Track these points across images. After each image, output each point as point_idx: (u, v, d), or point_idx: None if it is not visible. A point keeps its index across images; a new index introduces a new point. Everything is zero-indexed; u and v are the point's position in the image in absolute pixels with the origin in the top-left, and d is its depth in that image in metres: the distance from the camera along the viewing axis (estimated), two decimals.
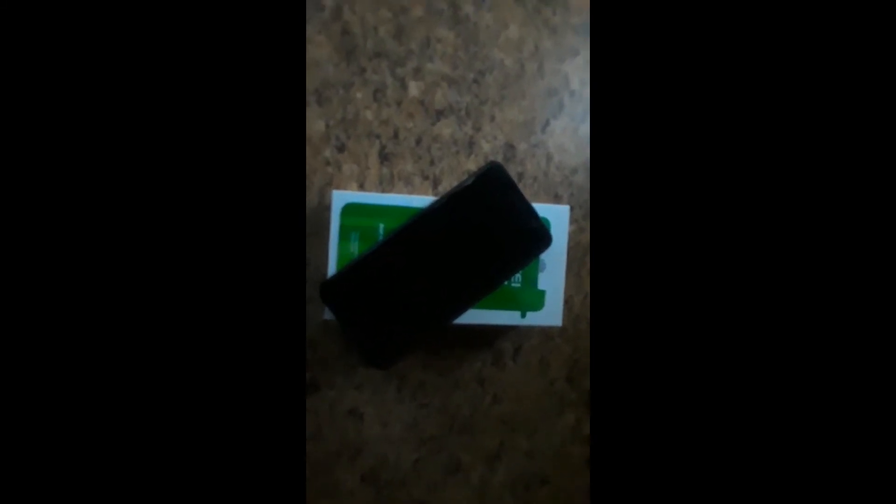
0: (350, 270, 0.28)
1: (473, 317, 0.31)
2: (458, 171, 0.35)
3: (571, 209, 0.36)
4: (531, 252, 0.30)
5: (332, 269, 0.30)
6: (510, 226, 0.29)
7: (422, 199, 0.31)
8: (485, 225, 0.29)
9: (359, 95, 0.33)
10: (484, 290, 0.29)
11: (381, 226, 0.30)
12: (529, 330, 0.36)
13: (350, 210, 0.30)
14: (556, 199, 0.36)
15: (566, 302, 0.36)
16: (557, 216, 0.32)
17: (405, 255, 0.28)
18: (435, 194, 0.34)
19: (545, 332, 0.37)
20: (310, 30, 0.33)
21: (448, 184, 0.35)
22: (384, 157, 0.34)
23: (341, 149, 0.33)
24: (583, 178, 0.36)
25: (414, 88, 0.34)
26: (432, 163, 0.34)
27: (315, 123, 0.33)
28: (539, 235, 0.29)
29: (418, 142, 0.34)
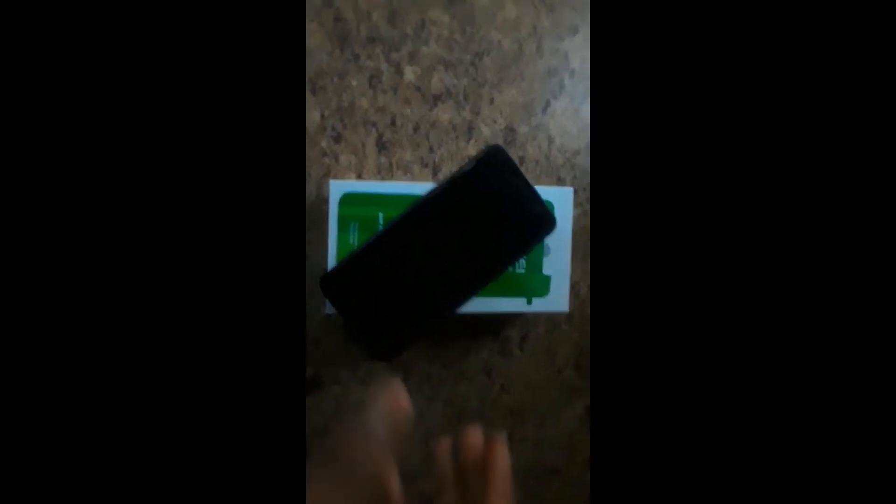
0: (350, 262, 0.28)
1: (478, 305, 0.31)
2: (457, 156, 0.34)
3: (575, 192, 0.35)
4: (535, 236, 0.29)
5: (331, 261, 0.30)
6: (513, 210, 0.28)
7: (422, 187, 0.30)
8: (487, 210, 0.28)
9: (354, 83, 0.33)
10: (488, 276, 0.28)
11: (381, 215, 0.30)
12: (535, 317, 0.36)
13: (348, 200, 0.29)
14: (559, 182, 0.35)
15: (572, 287, 0.36)
16: (561, 199, 0.31)
17: (406, 243, 0.27)
18: (435, 181, 0.34)
19: (552, 319, 0.36)
20: None
21: (448, 170, 0.34)
22: (382, 146, 0.33)
23: (338, 139, 0.33)
24: (586, 160, 0.35)
25: (410, 73, 0.33)
26: (431, 149, 0.34)
27: (310, 113, 0.32)
28: (543, 219, 0.28)
29: (416, 128, 0.33)
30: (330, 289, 0.28)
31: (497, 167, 0.28)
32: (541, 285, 0.31)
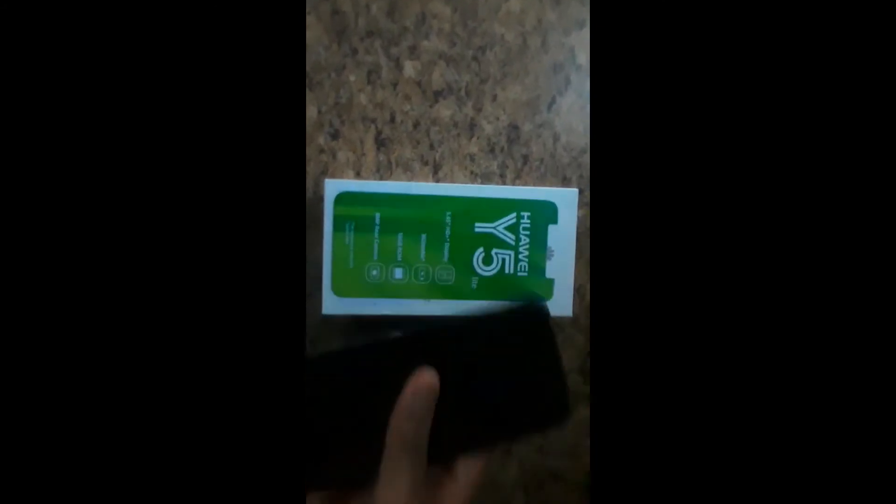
0: (343, 354, 0.23)
1: (477, 307, 0.30)
2: (458, 154, 0.33)
3: (581, 192, 0.34)
4: (541, 422, 0.24)
5: (326, 261, 0.29)
6: (526, 381, 0.23)
7: (420, 186, 0.29)
8: (498, 367, 0.23)
9: (352, 78, 0.32)
10: (469, 443, 0.23)
11: (378, 215, 0.29)
12: None
13: (344, 199, 0.29)
14: (565, 181, 0.34)
15: (577, 290, 0.34)
16: (566, 200, 0.30)
17: (401, 362, 0.22)
18: (435, 180, 0.33)
19: (556, 323, 0.35)
20: None
21: (449, 168, 0.33)
22: (381, 143, 0.32)
23: (335, 135, 0.32)
24: (590, 160, 0.34)
25: (410, 68, 0.32)
26: (432, 147, 0.33)
27: (307, 109, 0.31)
28: (557, 407, 0.23)
29: (416, 125, 0.32)
30: (315, 372, 0.23)
31: (532, 327, 0.23)
32: (543, 289, 0.30)
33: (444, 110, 0.32)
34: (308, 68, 0.31)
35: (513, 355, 0.23)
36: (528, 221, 0.30)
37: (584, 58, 0.33)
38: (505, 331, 0.23)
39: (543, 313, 0.23)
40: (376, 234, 0.29)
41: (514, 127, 0.33)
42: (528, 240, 0.30)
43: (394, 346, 0.23)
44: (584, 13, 0.33)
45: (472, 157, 0.33)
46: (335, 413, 0.22)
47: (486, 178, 0.33)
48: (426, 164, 0.33)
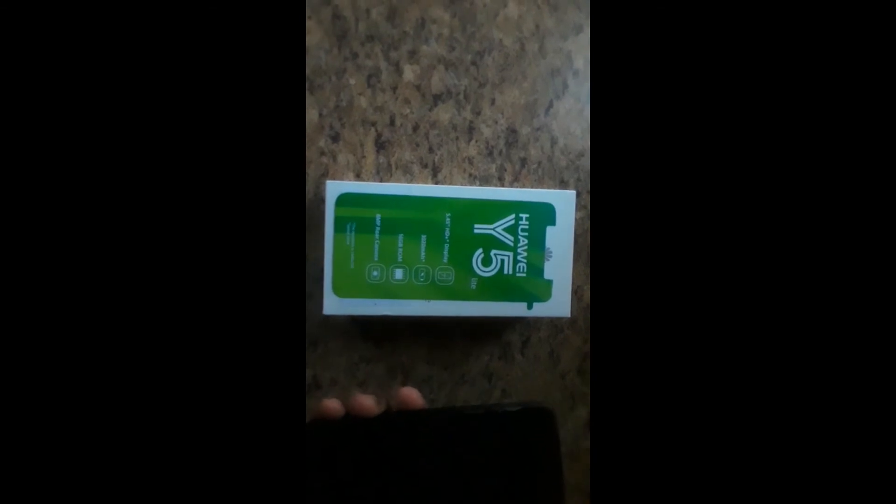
0: (346, 425, 0.23)
1: (476, 309, 0.30)
2: (457, 157, 0.33)
3: (578, 194, 0.34)
4: None
5: (327, 262, 0.29)
6: (524, 481, 0.23)
7: (420, 187, 0.30)
8: (496, 463, 0.23)
9: (352, 82, 0.32)
10: None
11: (378, 216, 0.29)
12: (538, 321, 0.35)
13: (345, 200, 0.29)
14: (562, 184, 0.34)
15: (575, 292, 0.35)
16: (563, 202, 0.30)
17: (397, 443, 0.23)
18: (434, 182, 0.33)
19: (554, 324, 0.35)
20: None
21: (448, 171, 0.33)
22: (381, 146, 0.33)
23: (335, 138, 0.32)
24: (589, 163, 0.35)
25: (409, 72, 0.32)
26: (431, 150, 0.33)
27: (308, 112, 0.32)
28: None
29: (415, 128, 0.33)
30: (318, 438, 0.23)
31: (536, 431, 0.24)
32: (541, 290, 0.31)
33: (444, 114, 0.33)
34: (309, 72, 0.32)
35: (515, 453, 0.24)
36: (527, 223, 0.30)
37: (581, 62, 0.34)
38: (510, 428, 0.24)
39: (551, 415, 0.24)
40: (377, 235, 0.29)
41: (512, 130, 0.34)
42: (526, 241, 0.30)
43: (393, 426, 0.24)
44: (581, 19, 0.34)
45: (470, 160, 0.33)
46: (331, 480, 0.23)
47: (484, 181, 0.34)
48: (425, 166, 0.33)
